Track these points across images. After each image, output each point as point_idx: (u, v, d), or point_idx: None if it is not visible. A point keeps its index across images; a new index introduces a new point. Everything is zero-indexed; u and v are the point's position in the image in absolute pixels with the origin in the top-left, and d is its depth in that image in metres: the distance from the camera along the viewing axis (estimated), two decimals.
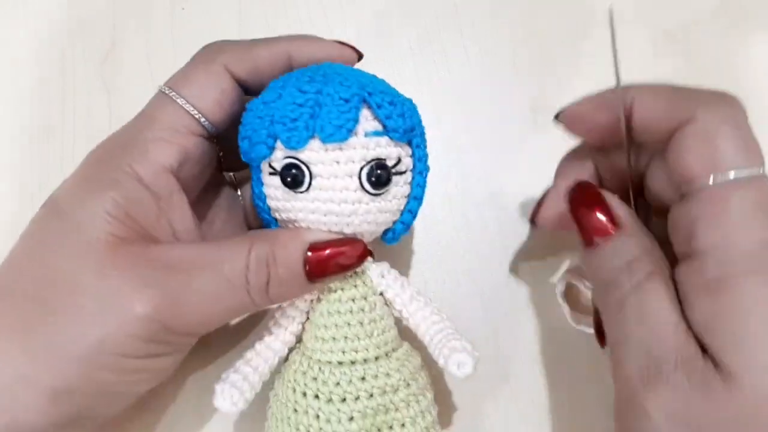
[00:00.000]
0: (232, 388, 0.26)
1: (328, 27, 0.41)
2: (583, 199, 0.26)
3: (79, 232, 0.24)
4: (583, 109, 0.28)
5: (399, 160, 0.27)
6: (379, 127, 0.26)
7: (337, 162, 0.25)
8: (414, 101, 0.28)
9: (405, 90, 0.40)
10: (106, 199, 0.24)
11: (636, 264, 0.24)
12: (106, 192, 0.25)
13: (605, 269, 0.25)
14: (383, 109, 0.26)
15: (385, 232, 0.29)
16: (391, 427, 0.27)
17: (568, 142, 0.39)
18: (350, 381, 0.27)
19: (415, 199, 0.28)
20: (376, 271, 0.29)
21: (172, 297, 0.23)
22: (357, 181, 0.26)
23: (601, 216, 0.25)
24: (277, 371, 0.29)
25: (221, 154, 0.31)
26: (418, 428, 0.27)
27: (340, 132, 0.25)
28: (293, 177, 0.26)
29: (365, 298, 0.28)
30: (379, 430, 0.27)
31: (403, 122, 0.26)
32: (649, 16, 0.42)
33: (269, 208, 0.28)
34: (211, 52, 0.28)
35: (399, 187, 0.27)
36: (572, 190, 0.27)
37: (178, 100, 0.26)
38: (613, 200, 0.26)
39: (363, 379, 0.27)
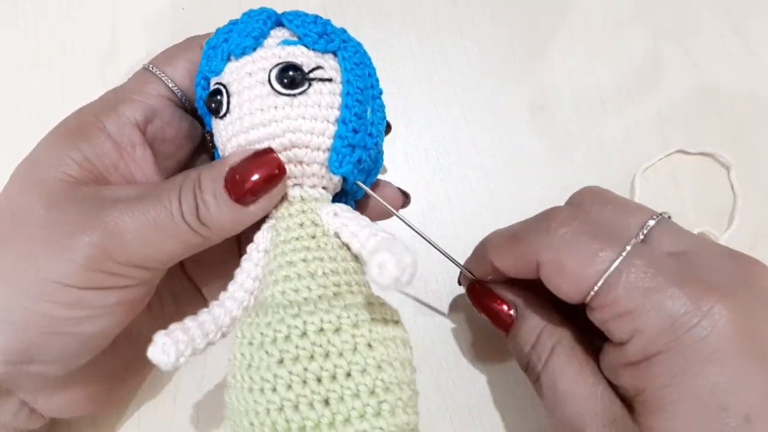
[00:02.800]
0: (165, 337, 0.23)
1: None
2: (480, 297, 0.29)
3: (38, 171, 0.26)
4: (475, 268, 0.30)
5: (318, 68, 0.26)
6: (293, 38, 0.26)
7: (249, 74, 0.25)
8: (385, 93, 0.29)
9: (405, 90, 0.40)
10: (69, 144, 0.26)
11: (538, 346, 0.27)
12: (70, 137, 0.27)
13: (518, 357, 0.28)
14: (294, 21, 0.26)
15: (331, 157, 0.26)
16: (334, 377, 0.22)
17: (568, 142, 0.39)
18: (282, 319, 0.23)
19: (347, 107, 0.26)
20: (327, 209, 0.26)
21: (113, 224, 0.24)
22: (269, 86, 0.25)
23: (500, 307, 0.28)
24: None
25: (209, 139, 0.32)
26: (369, 380, 0.22)
27: (247, 40, 0.26)
28: (215, 102, 0.26)
29: (313, 237, 0.26)
30: (318, 379, 0.22)
31: (315, 26, 0.26)
32: (649, 16, 0.42)
33: None
34: (193, 36, 0.31)
35: (323, 96, 0.26)
36: (469, 291, 0.30)
37: (151, 68, 0.29)
38: (504, 291, 0.29)
39: (297, 315, 0.23)
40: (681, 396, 0.22)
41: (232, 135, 0.26)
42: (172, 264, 0.27)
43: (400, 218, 0.29)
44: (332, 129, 0.26)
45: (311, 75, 0.25)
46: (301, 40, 0.26)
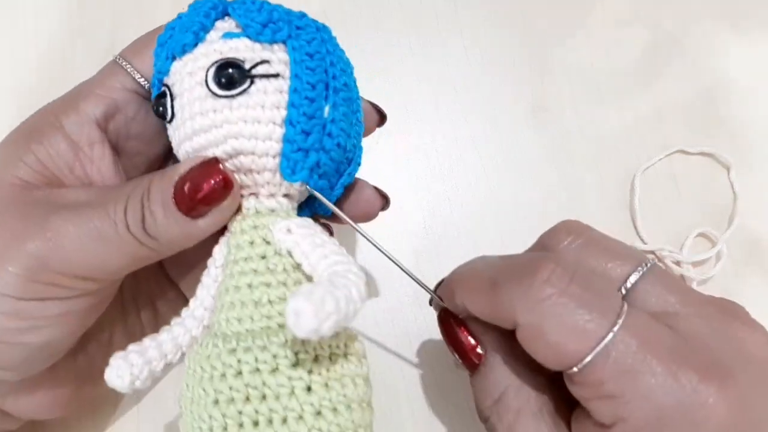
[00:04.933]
0: (120, 360, 0.22)
1: None
2: (448, 328, 0.26)
3: None
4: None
5: (264, 62, 0.23)
6: (238, 30, 0.23)
7: (190, 73, 0.23)
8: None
9: (405, 88, 0.40)
10: (22, 145, 0.25)
11: (502, 404, 0.24)
12: (26, 140, 0.25)
13: (480, 409, 0.25)
14: (238, 10, 0.23)
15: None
16: (270, 421, 0.21)
17: (568, 142, 0.39)
18: (219, 354, 0.22)
19: (294, 107, 0.23)
20: (280, 225, 0.24)
21: (53, 233, 0.23)
22: (206, 87, 0.23)
23: (468, 343, 0.25)
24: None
25: None
26: (304, 428, 0.21)
27: (187, 36, 0.23)
28: (161, 105, 0.24)
29: (263, 258, 0.23)
30: (255, 423, 0.21)
31: (258, 15, 0.23)
32: (649, 16, 0.42)
33: None
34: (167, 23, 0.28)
35: (267, 95, 0.23)
36: (438, 319, 0.27)
37: (119, 60, 0.27)
38: (475, 326, 0.26)
39: (233, 351, 0.22)
40: None
41: (180, 141, 0.24)
42: (122, 276, 0.25)
43: (365, 236, 0.26)
44: (280, 132, 0.23)
45: (253, 72, 0.23)
46: (245, 32, 0.23)
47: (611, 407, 0.20)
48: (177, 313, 0.31)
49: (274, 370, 0.21)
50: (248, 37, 0.23)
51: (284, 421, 0.21)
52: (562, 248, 0.25)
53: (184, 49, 0.23)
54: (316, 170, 0.24)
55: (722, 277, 0.36)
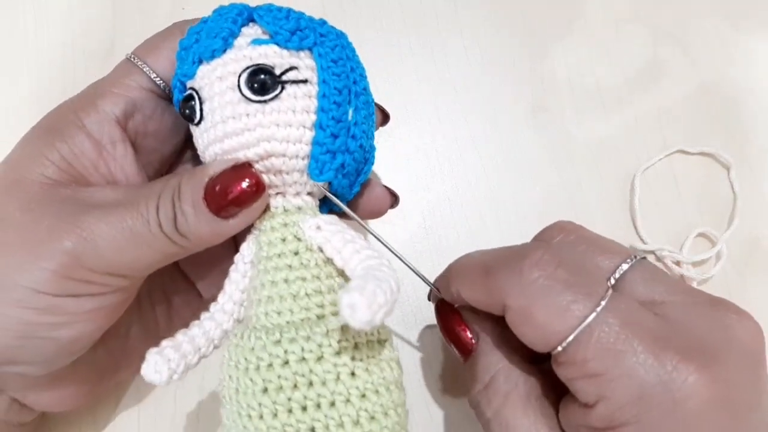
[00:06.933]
0: (157, 355, 0.23)
1: None
2: (444, 319, 0.28)
3: (14, 172, 0.25)
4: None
5: (292, 68, 0.24)
6: (265, 36, 0.24)
7: (220, 78, 0.24)
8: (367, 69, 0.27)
9: (405, 88, 0.40)
10: (46, 144, 0.25)
11: (491, 389, 0.25)
12: (49, 138, 0.26)
13: (471, 395, 0.26)
14: (266, 17, 0.24)
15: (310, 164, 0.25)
16: (318, 406, 0.22)
17: (568, 142, 0.39)
18: (264, 346, 0.23)
19: (324, 111, 0.24)
20: (310, 222, 0.25)
21: (87, 232, 0.23)
22: (239, 92, 0.24)
23: (463, 332, 0.27)
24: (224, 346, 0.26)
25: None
26: (352, 410, 0.22)
27: (216, 42, 0.24)
28: (189, 109, 0.25)
29: (296, 254, 0.25)
30: (303, 408, 0.22)
31: (287, 22, 0.24)
32: (649, 16, 0.42)
33: None
34: (178, 22, 0.29)
35: (297, 99, 0.24)
36: (436, 310, 0.29)
37: (133, 59, 0.28)
38: (469, 316, 0.27)
39: (278, 343, 0.23)
40: None
41: (208, 143, 0.25)
42: (151, 272, 0.26)
43: (371, 232, 0.27)
44: (309, 135, 0.24)
45: (284, 77, 0.24)
46: (273, 38, 0.24)
47: (594, 386, 0.21)
48: (191, 307, 0.32)
49: (320, 358, 0.22)
50: (277, 44, 0.24)
51: (332, 404, 0.22)
52: (554, 243, 0.26)
53: (213, 54, 0.24)
54: (341, 171, 0.25)
55: (722, 277, 0.36)
